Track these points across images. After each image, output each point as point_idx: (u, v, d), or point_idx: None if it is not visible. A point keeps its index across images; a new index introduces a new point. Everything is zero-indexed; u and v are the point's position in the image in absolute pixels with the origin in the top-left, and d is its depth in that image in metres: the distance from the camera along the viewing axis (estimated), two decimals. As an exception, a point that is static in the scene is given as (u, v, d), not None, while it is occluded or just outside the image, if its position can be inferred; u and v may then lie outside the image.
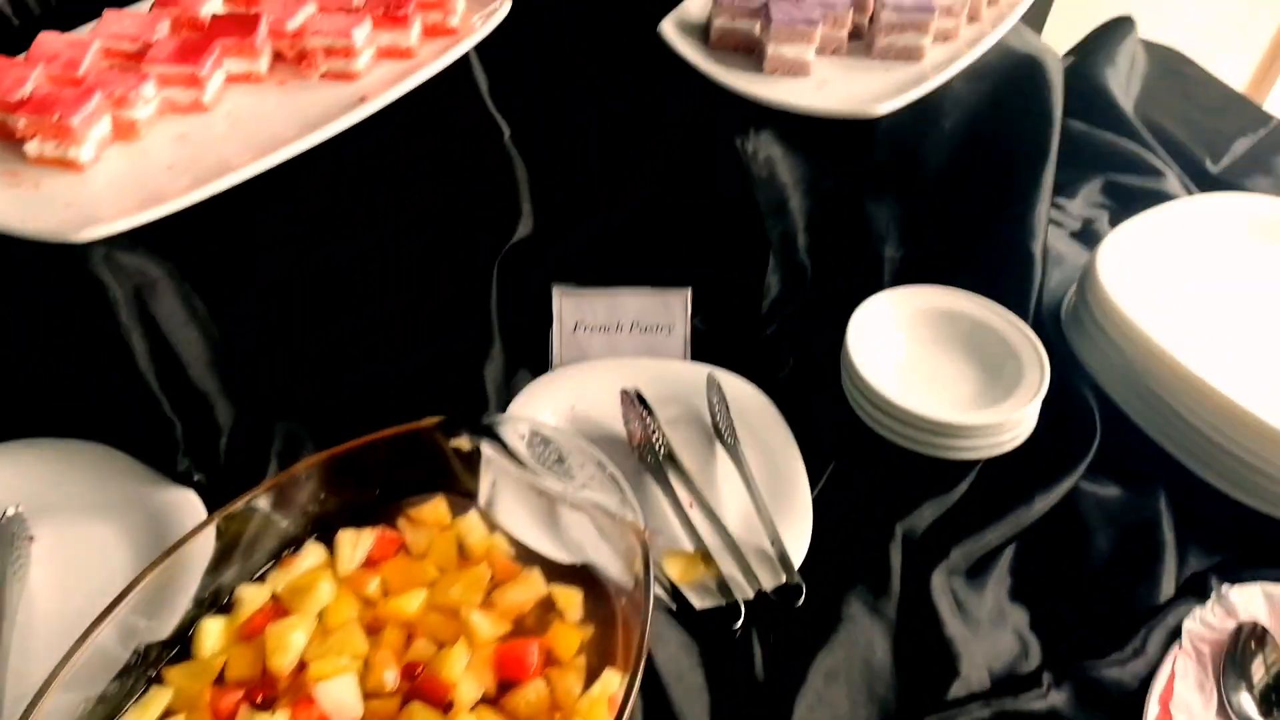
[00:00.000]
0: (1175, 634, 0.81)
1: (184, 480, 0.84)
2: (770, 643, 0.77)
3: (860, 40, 1.01)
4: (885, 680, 0.77)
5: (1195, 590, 0.85)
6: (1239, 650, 0.79)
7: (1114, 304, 0.98)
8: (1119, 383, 1.01)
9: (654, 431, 0.91)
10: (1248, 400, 0.89)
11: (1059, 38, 1.59)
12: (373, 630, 0.67)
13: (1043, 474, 0.93)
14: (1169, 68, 1.54)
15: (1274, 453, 0.87)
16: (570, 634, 0.68)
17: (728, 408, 0.95)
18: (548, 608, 0.70)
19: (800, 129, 0.96)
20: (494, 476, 0.74)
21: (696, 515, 0.86)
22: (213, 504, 0.82)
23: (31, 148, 0.78)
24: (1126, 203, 1.23)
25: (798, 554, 0.84)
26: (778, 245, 1.03)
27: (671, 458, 0.91)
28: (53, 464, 0.84)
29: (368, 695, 0.64)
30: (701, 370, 0.99)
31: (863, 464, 0.94)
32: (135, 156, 0.81)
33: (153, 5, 0.90)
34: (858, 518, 0.88)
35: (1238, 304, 1.05)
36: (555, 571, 0.70)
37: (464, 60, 0.94)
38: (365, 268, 0.91)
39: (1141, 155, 1.26)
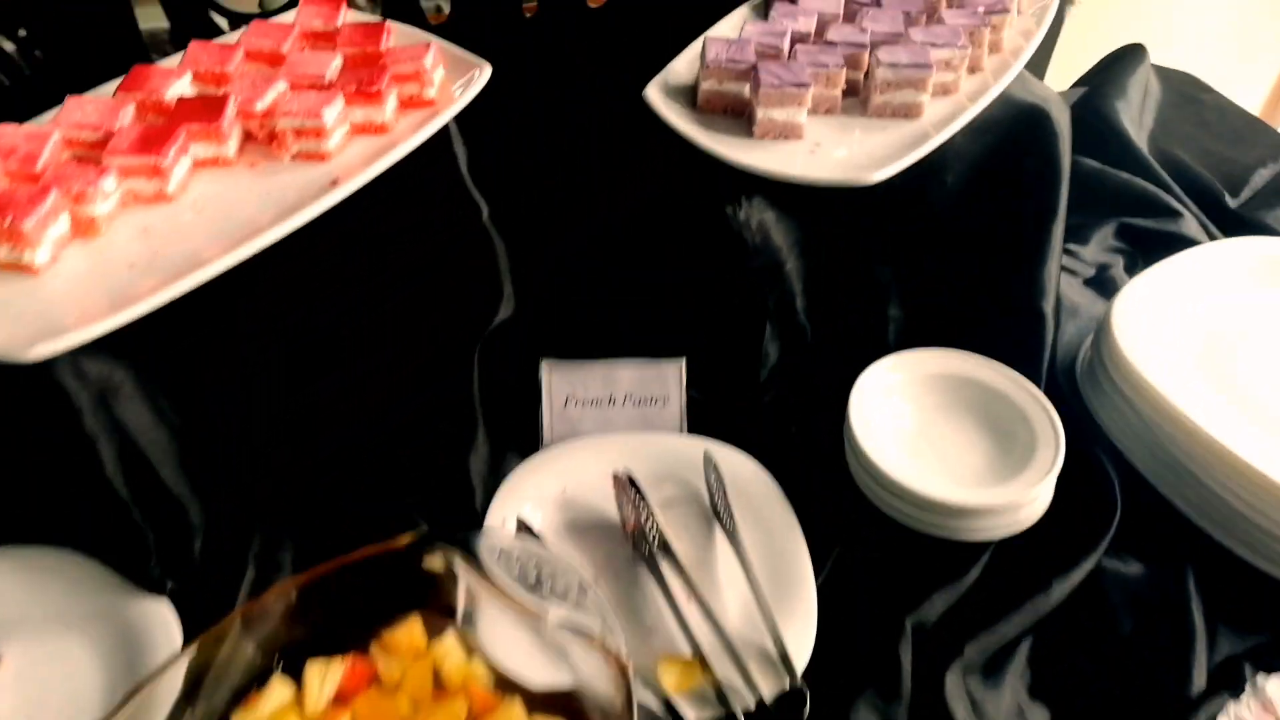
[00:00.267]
0: (1209, 733, 0.76)
1: (156, 588, 0.80)
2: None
3: (856, 97, 0.96)
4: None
5: (1229, 680, 0.80)
6: (1277, 752, 0.74)
7: (1130, 365, 0.93)
8: (1139, 446, 0.96)
9: (647, 519, 0.87)
10: (1270, 465, 0.83)
11: (1067, 65, 1.54)
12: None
13: (1061, 553, 0.88)
14: (1184, 94, 1.48)
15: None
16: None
17: (725, 488, 0.90)
18: (528, 742, 0.65)
19: (794, 192, 0.91)
20: (471, 595, 0.70)
21: (693, 611, 0.81)
22: (186, 611, 0.79)
23: (-18, 251, 0.75)
24: (1142, 246, 1.18)
25: (802, 653, 0.79)
26: (775, 310, 0.98)
27: (666, 547, 0.86)
28: (20, 573, 0.81)
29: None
30: (699, 445, 0.95)
31: (869, 546, 0.89)
32: (95, 255, 0.78)
33: (117, 89, 0.86)
34: (865, 610, 0.83)
35: (1263, 358, 0.99)
36: (536, 699, 0.66)
37: (443, 132, 0.91)
38: (340, 356, 0.87)
39: (1157, 195, 1.21)
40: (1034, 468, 0.89)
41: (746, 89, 0.92)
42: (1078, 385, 1.03)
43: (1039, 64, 1.13)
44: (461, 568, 0.69)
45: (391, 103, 0.89)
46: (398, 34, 0.98)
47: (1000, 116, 0.96)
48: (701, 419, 0.98)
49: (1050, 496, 0.90)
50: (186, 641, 0.73)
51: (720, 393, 1.00)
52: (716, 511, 0.90)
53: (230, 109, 0.84)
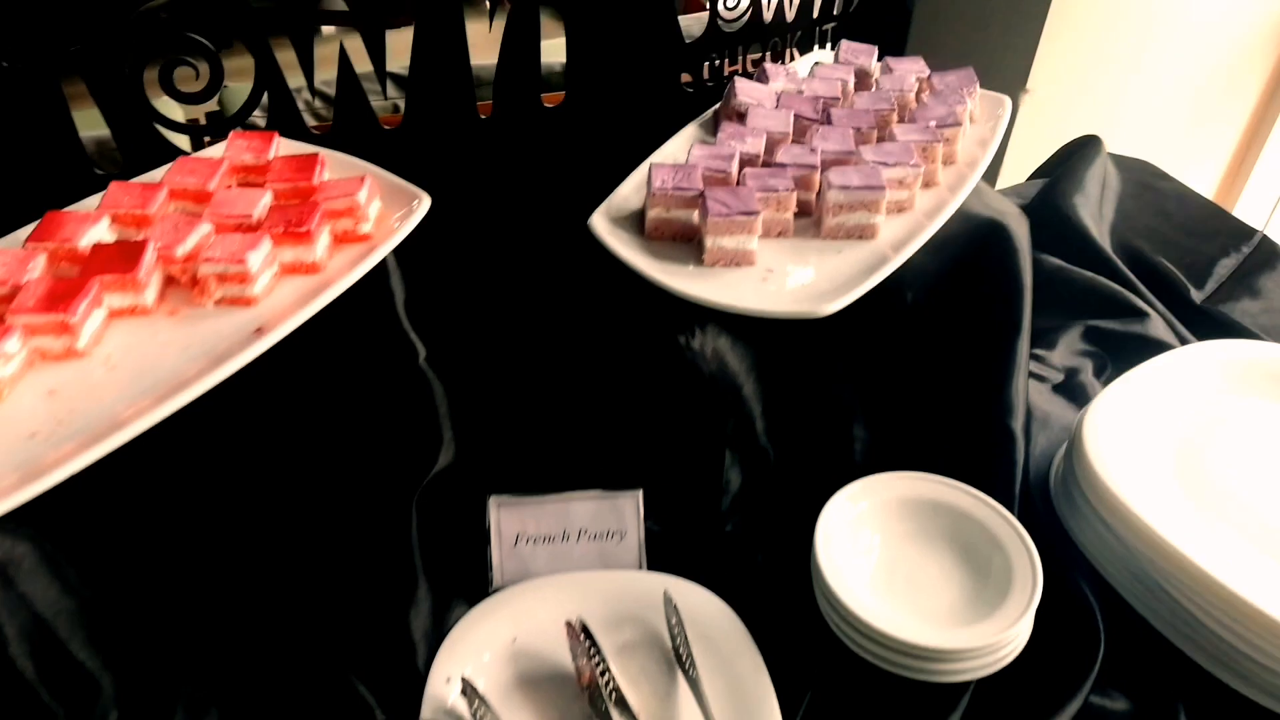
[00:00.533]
0: None
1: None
2: None
3: (809, 218, 0.93)
4: None
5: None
6: None
7: (1105, 485, 0.89)
8: (1120, 569, 0.91)
9: (603, 672, 0.81)
10: (1257, 593, 0.79)
11: (1023, 153, 1.54)
12: None
13: (1045, 692, 0.83)
14: (1142, 183, 1.48)
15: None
16: None
17: (687, 631, 0.85)
18: None
19: (749, 319, 0.88)
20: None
21: (654, 781, 0.75)
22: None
23: None
24: (1110, 349, 1.15)
25: (771, 827, 0.73)
26: (734, 437, 0.94)
27: (623, 703, 0.80)
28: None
29: None
30: (659, 582, 0.90)
31: (842, 690, 0.83)
32: (-4, 423, 0.72)
33: (27, 239, 0.82)
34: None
35: (1240, 470, 0.95)
36: None
37: (380, 267, 0.87)
38: (266, 512, 0.81)
39: (1122, 295, 1.19)
40: (1012, 602, 0.84)
41: (695, 215, 0.89)
42: (1052, 501, 0.99)
43: (994, 154, 1.12)
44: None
45: (324, 240, 0.85)
46: (335, 164, 0.95)
47: (958, 231, 0.94)
48: (661, 552, 0.93)
49: (1029, 631, 0.85)
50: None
51: (680, 524, 0.95)
52: (679, 655, 0.84)
53: (149, 256, 0.80)
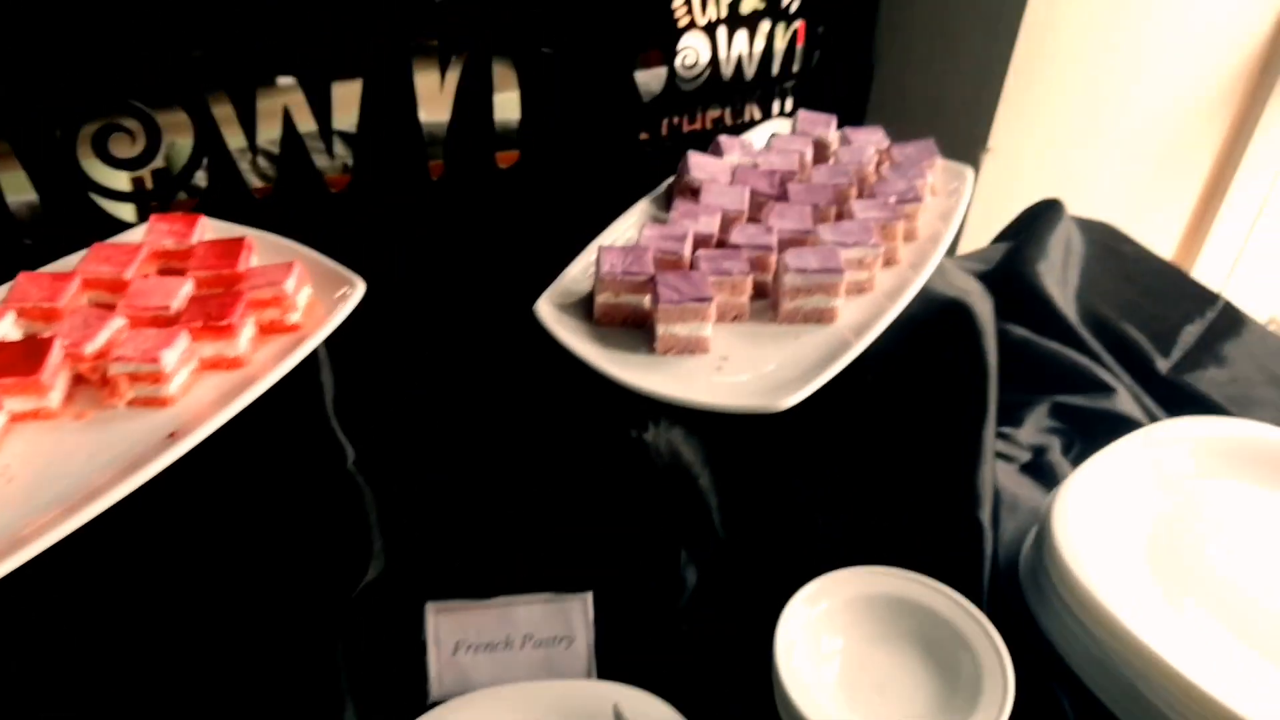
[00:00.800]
0: None
1: None
2: None
3: (766, 299, 0.89)
4: None
5: None
6: None
7: (1075, 578, 0.85)
8: (1094, 669, 0.86)
9: (549, 800, 0.75)
10: (1233, 696, 0.75)
11: (985, 215, 1.52)
12: None
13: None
14: (1106, 246, 1.46)
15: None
16: None
17: (641, 749, 0.79)
18: None
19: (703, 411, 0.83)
20: None
21: None
22: None
23: None
24: (1078, 426, 1.11)
25: None
26: (690, 532, 0.89)
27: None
28: None
29: None
30: (609, 692, 0.84)
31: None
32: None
33: (-79, 339, 0.76)
34: None
35: (1215, 558, 0.92)
36: None
37: (311, 359, 0.81)
38: (179, 630, 0.75)
39: (1089, 368, 1.16)
40: (982, 711, 0.79)
41: (646, 300, 0.85)
42: (1021, 590, 0.95)
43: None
44: None
45: (248, 332, 0.80)
46: (265, 247, 0.90)
47: (920, 312, 0.90)
48: (613, 658, 0.87)
49: (1004, 743, 0.80)
50: None
51: (633, 628, 0.89)
52: (632, 776, 0.78)
53: (54, 355, 0.74)
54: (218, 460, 0.75)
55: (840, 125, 1.16)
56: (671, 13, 1.31)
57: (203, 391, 0.77)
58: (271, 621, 0.77)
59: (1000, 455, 1.06)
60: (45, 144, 0.98)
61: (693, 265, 0.87)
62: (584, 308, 0.87)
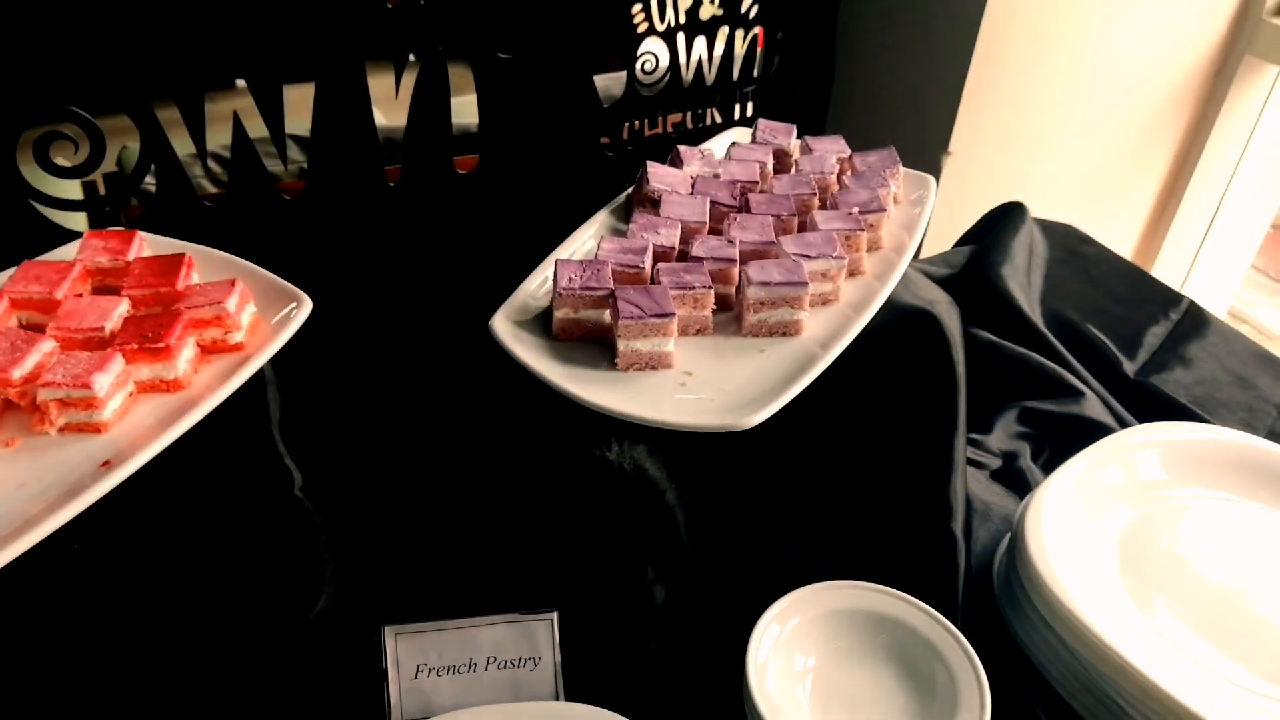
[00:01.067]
0: None
1: None
2: None
3: (730, 311, 0.87)
4: None
5: None
6: None
7: (1049, 588, 0.83)
8: (1068, 679, 0.85)
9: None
10: (1214, 711, 0.74)
11: (946, 217, 1.51)
12: None
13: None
14: (1068, 248, 1.45)
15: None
16: None
17: (608, 777, 0.76)
18: None
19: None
20: None
21: None
22: None
23: None
24: (1047, 431, 1.10)
25: None
26: (657, 548, 0.86)
27: None
28: None
29: None
30: (576, 714, 0.81)
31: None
32: None
33: None
34: None
35: (1186, 566, 0.91)
36: None
37: (256, 379, 0.78)
38: (117, 666, 0.71)
39: (1056, 372, 1.15)
40: (958, 729, 0.78)
41: (606, 315, 0.82)
42: (995, 600, 0.94)
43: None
44: None
45: (187, 353, 0.76)
46: (207, 263, 0.86)
47: (887, 323, 0.88)
48: (580, 680, 0.84)
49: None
50: None
51: (601, 648, 0.86)
52: (600, 804, 0.76)
53: (-22, 382, 0.70)
54: (157, 488, 0.71)
55: (801, 130, 1.15)
56: (630, 18, 1.29)
57: (140, 416, 0.74)
58: (220, 654, 0.73)
59: (971, 462, 1.05)
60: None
61: (653, 279, 0.84)
62: (543, 322, 0.84)
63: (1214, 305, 2.15)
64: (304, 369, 0.81)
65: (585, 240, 0.94)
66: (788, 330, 0.84)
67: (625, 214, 0.98)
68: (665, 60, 1.33)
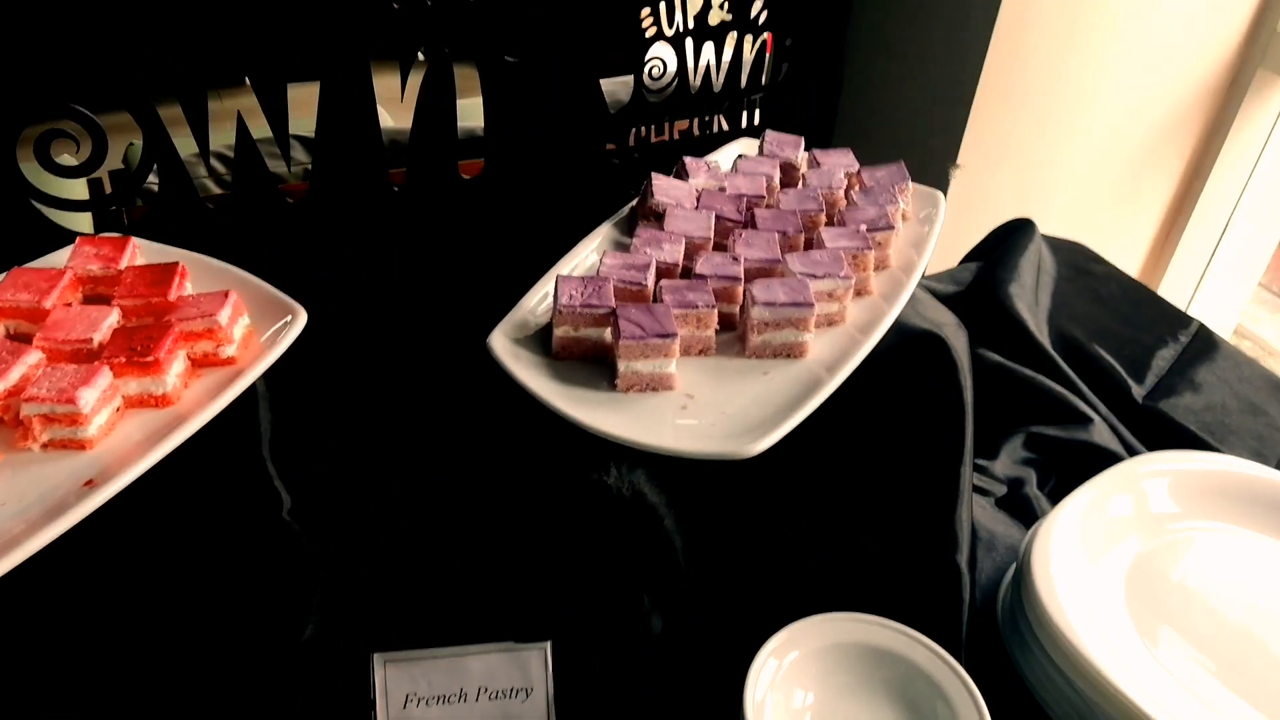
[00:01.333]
0: None
1: None
2: None
3: (734, 331, 0.85)
4: None
5: None
6: None
7: (1055, 625, 0.82)
8: (1074, 719, 0.84)
9: None
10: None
11: (953, 232, 1.49)
12: None
13: None
14: (1076, 266, 1.43)
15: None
16: None
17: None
18: None
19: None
20: None
21: None
22: None
23: None
24: (1054, 458, 1.09)
25: None
26: (655, 576, 0.84)
27: None
28: None
29: None
30: (569, 747, 0.79)
31: None
32: None
33: None
34: None
35: (1196, 602, 0.89)
36: None
37: (248, 394, 0.76)
38: (97, 693, 0.69)
39: (1064, 397, 1.13)
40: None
41: (606, 334, 0.80)
42: (999, 632, 0.92)
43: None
44: None
45: (177, 368, 0.74)
46: (201, 271, 0.84)
47: (893, 345, 0.86)
48: (574, 711, 0.83)
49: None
50: None
51: (595, 678, 0.84)
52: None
53: (-40, 395, 0.68)
54: (142, 508, 0.69)
55: (808, 137, 1.12)
56: (639, 22, 1.27)
57: (127, 431, 0.72)
58: (205, 681, 0.71)
59: (977, 490, 1.03)
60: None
61: (656, 297, 0.82)
62: (542, 339, 0.82)
63: (1221, 321, 2.13)
64: (297, 384, 0.78)
65: (588, 254, 0.92)
66: (792, 352, 0.82)
67: (629, 226, 0.96)
68: (673, 66, 1.31)
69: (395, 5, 1.11)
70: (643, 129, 1.36)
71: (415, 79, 1.19)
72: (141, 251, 0.86)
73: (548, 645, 0.82)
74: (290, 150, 1.13)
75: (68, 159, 1.02)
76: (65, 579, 0.69)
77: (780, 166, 1.03)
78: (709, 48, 1.31)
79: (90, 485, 0.66)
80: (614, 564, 0.83)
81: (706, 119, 1.40)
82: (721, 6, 1.34)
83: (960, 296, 1.30)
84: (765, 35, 1.37)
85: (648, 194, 0.95)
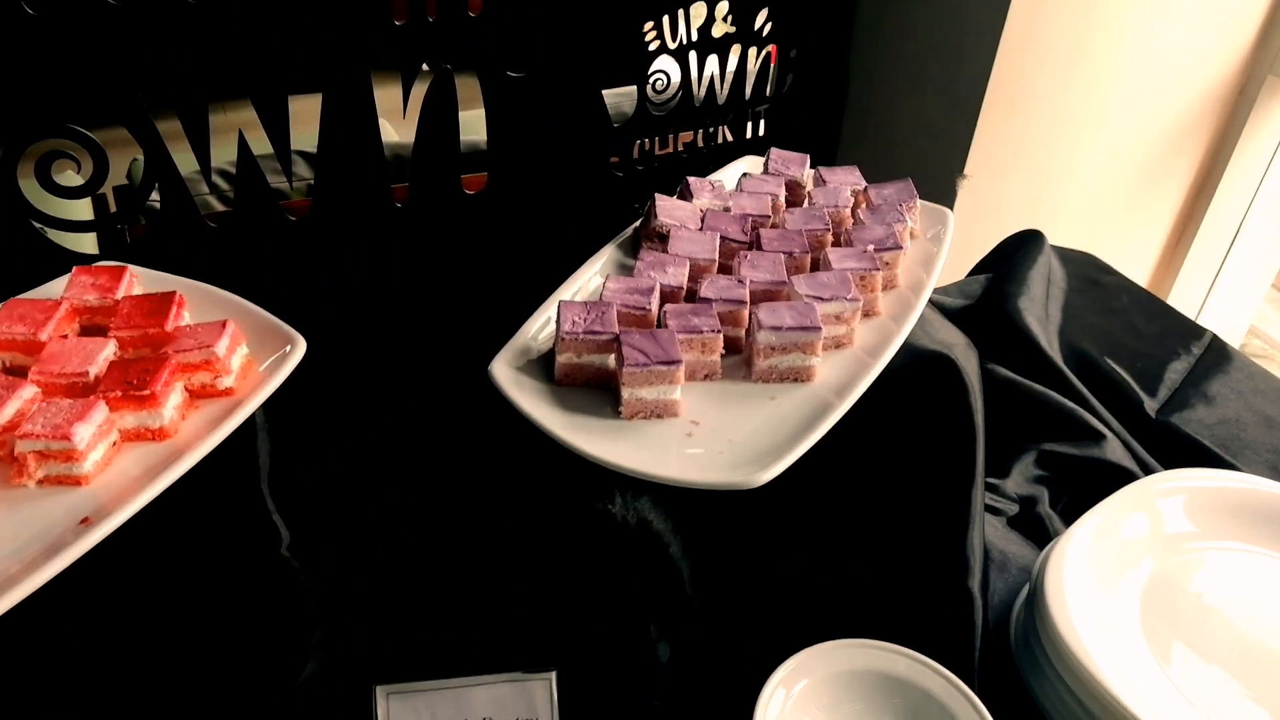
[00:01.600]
0: None
1: None
2: None
3: (739, 354, 0.83)
4: None
5: None
6: None
7: (1069, 648, 0.80)
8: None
9: None
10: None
11: (962, 244, 1.48)
12: None
13: None
14: (1086, 277, 1.41)
15: None
16: None
17: None
18: None
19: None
20: None
21: None
22: None
23: None
24: (1066, 475, 1.07)
25: None
26: (662, 603, 0.83)
27: None
28: None
29: None
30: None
31: None
32: None
33: None
34: None
35: (1216, 622, 0.87)
36: None
37: (247, 425, 0.75)
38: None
39: (1076, 413, 1.11)
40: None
41: (610, 360, 0.79)
42: (1012, 655, 0.90)
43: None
44: None
45: (174, 400, 0.73)
46: (200, 300, 0.83)
47: (902, 367, 0.85)
48: (580, 741, 0.81)
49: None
50: None
51: (601, 708, 0.83)
52: None
53: (-46, 432, 0.67)
54: (139, 544, 0.68)
55: (813, 149, 1.11)
56: (642, 35, 1.26)
57: (124, 466, 0.71)
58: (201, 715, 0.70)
59: (988, 508, 1.01)
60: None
61: (660, 321, 0.81)
62: (545, 366, 0.81)
63: (1233, 325, 2.11)
64: (296, 414, 0.77)
65: (590, 277, 0.91)
66: (799, 376, 0.81)
67: (632, 248, 0.95)
68: (677, 78, 1.30)
69: (398, 21, 1.10)
70: (646, 142, 1.35)
71: (417, 91, 1.18)
72: (139, 280, 0.85)
73: (553, 675, 0.80)
74: (292, 165, 1.13)
75: (70, 177, 1.02)
76: (62, 618, 0.67)
77: (786, 185, 1.02)
78: (713, 60, 1.30)
79: (86, 523, 0.65)
80: (620, 592, 0.82)
81: (711, 131, 1.39)
82: (725, 19, 1.33)
83: (969, 310, 1.29)
84: (769, 47, 1.35)
85: (651, 215, 0.94)
